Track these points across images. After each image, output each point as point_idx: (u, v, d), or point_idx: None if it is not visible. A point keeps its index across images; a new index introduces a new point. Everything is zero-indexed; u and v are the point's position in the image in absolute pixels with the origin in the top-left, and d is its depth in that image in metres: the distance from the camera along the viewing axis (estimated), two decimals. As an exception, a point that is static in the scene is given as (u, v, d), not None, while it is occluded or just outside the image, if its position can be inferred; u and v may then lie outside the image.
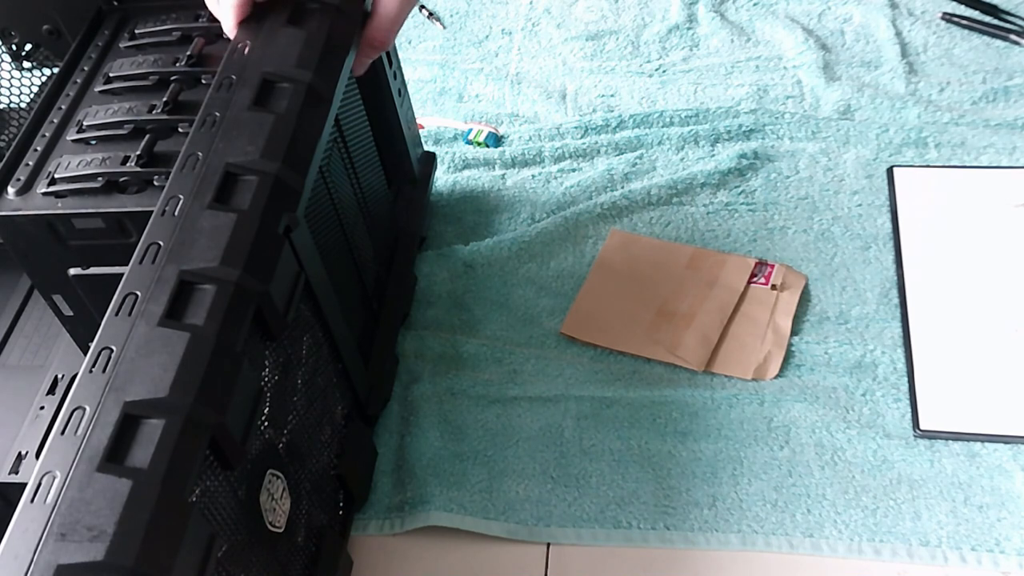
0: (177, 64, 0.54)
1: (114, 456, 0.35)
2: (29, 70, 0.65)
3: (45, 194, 0.49)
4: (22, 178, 0.50)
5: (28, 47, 0.63)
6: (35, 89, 0.66)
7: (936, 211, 0.68)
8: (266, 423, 0.46)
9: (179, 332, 0.39)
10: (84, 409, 0.36)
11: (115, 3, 0.60)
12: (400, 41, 0.91)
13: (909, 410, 0.58)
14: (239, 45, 0.51)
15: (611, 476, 0.57)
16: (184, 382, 0.37)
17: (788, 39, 0.85)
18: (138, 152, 0.49)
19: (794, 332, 0.63)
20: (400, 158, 0.70)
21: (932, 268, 0.64)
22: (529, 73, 0.87)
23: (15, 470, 0.52)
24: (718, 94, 0.82)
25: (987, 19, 0.84)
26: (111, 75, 0.54)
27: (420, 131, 0.77)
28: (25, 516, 0.33)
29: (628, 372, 0.63)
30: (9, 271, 0.63)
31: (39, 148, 0.52)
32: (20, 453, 0.53)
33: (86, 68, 0.56)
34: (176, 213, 0.44)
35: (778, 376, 0.61)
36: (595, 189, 0.75)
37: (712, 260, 0.68)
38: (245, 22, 0.53)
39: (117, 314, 0.40)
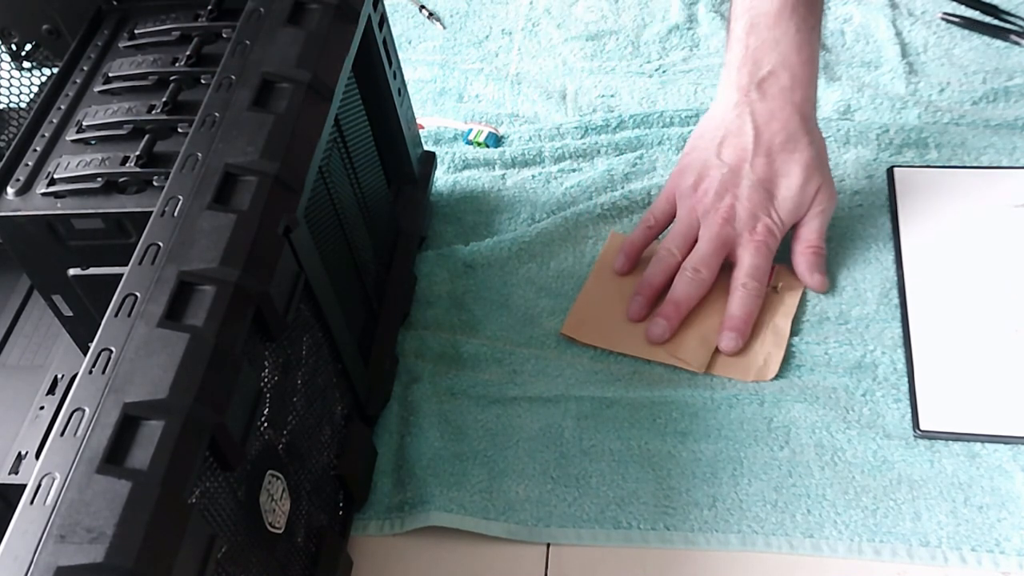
0: (177, 64, 0.54)
1: (114, 457, 0.35)
2: (29, 70, 0.65)
3: (44, 194, 0.49)
4: (21, 178, 0.50)
5: (28, 47, 0.63)
6: (35, 89, 0.66)
7: (936, 211, 0.68)
8: (266, 424, 0.46)
9: (179, 333, 0.39)
10: (84, 410, 0.36)
11: (115, 3, 0.60)
12: (400, 41, 0.91)
13: (909, 410, 0.58)
14: None
15: (611, 476, 0.57)
16: (184, 383, 0.37)
17: (788, 39, 0.85)
18: (137, 152, 0.49)
19: (794, 332, 0.63)
20: (400, 158, 0.70)
21: (932, 268, 0.64)
22: (529, 73, 0.87)
23: (15, 470, 0.52)
24: (718, 94, 0.82)
25: (987, 19, 0.84)
26: (110, 75, 0.54)
27: (420, 131, 0.77)
28: (24, 517, 0.33)
29: (628, 372, 0.63)
30: (9, 271, 0.63)
31: (38, 148, 0.52)
32: (20, 453, 0.53)
33: (85, 68, 0.56)
34: (176, 214, 0.44)
35: (778, 376, 0.61)
36: (595, 189, 0.75)
37: (712, 260, 0.67)
38: (245, 22, 0.53)
39: (117, 315, 0.40)
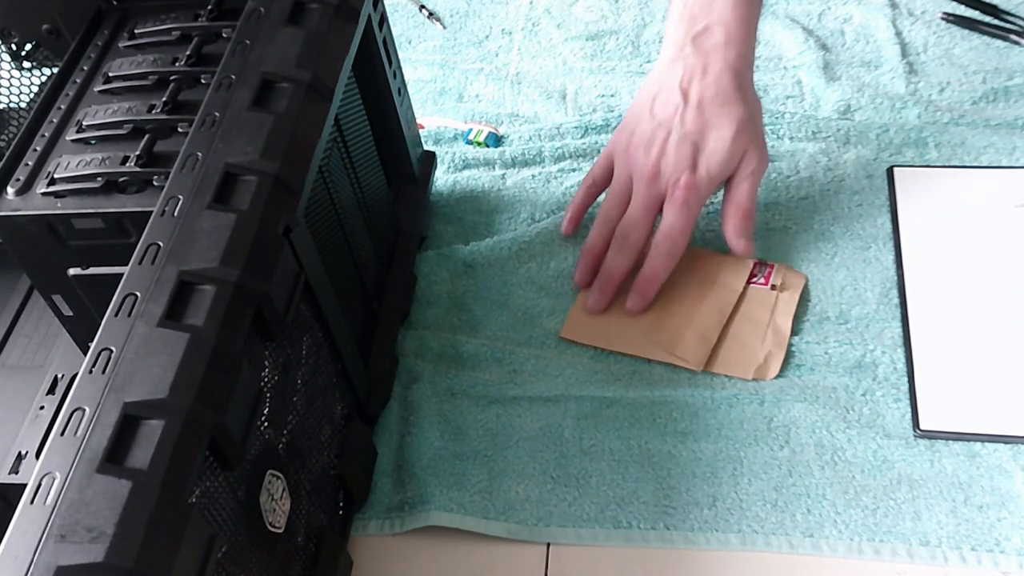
0: (177, 64, 0.54)
1: (114, 457, 0.35)
2: (29, 70, 0.65)
3: (45, 194, 0.49)
4: (21, 178, 0.50)
5: (28, 47, 0.63)
6: (35, 89, 0.66)
7: (936, 211, 0.68)
8: (266, 423, 0.46)
9: (179, 333, 0.39)
10: (84, 410, 0.36)
11: (114, 3, 0.60)
12: (400, 41, 0.91)
13: (909, 410, 0.58)
14: None
15: (611, 476, 0.57)
16: (184, 383, 0.37)
17: (788, 39, 0.85)
18: (138, 152, 0.49)
19: (794, 332, 0.63)
20: (400, 158, 0.70)
21: (932, 268, 0.64)
22: (529, 73, 0.87)
23: (15, 470, 0.52)
24: (718, 94, 0.81)
25: (987, 19, 0.84)
26: (110, 75, 0.54)
27: (420, 131, 0.77)
28: (25, 517, 0.33)
29: (628, 372, 0.63)
30: (9, 271, 0.63)
31: (38, 148, 0.52)
32: (20, 453, 0.53)
33: (85, 68, 0.56)
34: (176, 213, 0.44)
35: (778, 376, 0.61)
36: (595, 189, 0.74)
37: (711, 260, 0.67)
38: (245, 22, 0.53)
39: (117, 315, 0.40)
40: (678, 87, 0.61)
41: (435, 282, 0.69)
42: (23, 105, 0.66)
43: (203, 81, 0.53)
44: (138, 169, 0.49)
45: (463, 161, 0.78)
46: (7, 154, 0.51)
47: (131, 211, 0.47)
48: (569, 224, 0.69)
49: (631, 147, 0.64)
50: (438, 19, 0.94)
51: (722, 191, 0.66)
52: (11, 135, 0.66)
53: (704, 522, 0.55)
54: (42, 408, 0.55)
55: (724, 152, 0.61)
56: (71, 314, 0.54)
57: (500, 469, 0.58)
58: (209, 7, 0.57)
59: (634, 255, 0.64)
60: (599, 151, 0.77)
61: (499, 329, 0.66)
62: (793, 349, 0.62)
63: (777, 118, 0.77)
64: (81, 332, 0.55)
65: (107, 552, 0.32)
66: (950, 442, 0.56)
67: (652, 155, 0.62)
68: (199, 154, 0.46)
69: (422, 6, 0.95)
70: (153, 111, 0.51)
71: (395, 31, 0.81)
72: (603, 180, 0.68)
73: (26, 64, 0.64)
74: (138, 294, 0.40)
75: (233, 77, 0.50)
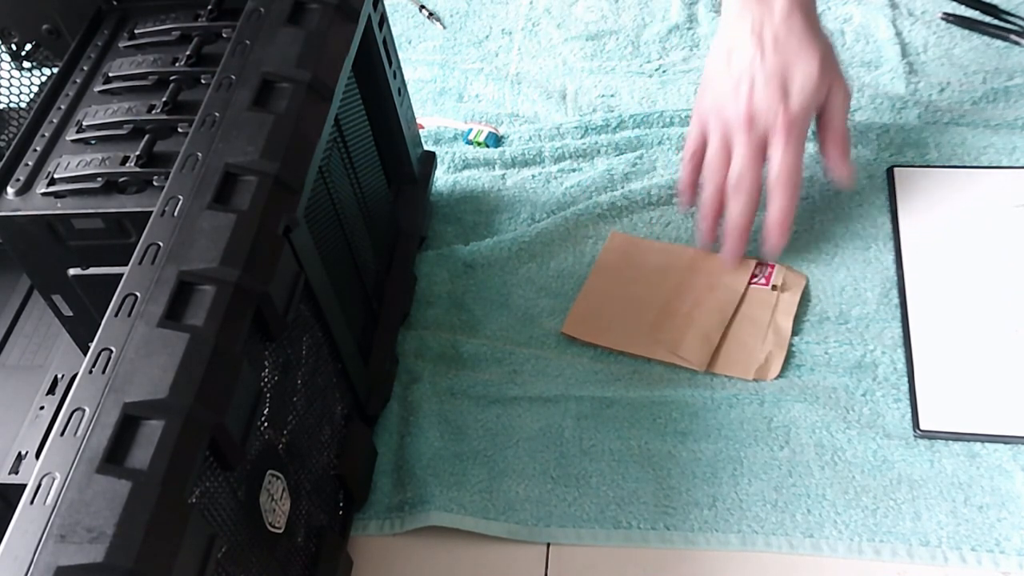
0: (177, 64, 0.54)
1: (114, 457, 0.35)
2: (29, 70, 0.65)
3: (45, 194, 0.49)
4: (21, 178, 0.50)
5: (28, 47, 0.63)
6: (35, 89, 0.66)
7: (936, 211, 0.68)
8: (266, 424, 0.46)
9: (179, 333, 0.39)
10: (84, 410, 0.36)
11: (114, 3, 0.60)
12: (400, 41, 0.91)
13: (909, 410, 0.58)
14: None
15: (611, 476, 0.57)
16: (184, 383, 0.37)
17: (788, 39, 0.85)
18: (137, 152, 0.49)
19: (794, 332, 0.63)
20: (400, 158, 0.70)
21: (932, 268, 0.64)
22: (529, 73, 0.87)
23: (15, 470, 0.52)
24: (718, 94, 0.81)
25: (987, 19, 0.84)
26: (110, 75, 0.54)
27: (420, 131, 0.77)
28: (25, 517, 0.33)
29: (628, 372, 0.63)
30: (9, 271, 0.63)
31: (38, 148, 0.52)
32: (20, 453, 0.53)
33: (85, 68, 0.56)
34: (176, 213, 0.44)
35: (778, 376, 0.61)
36: (595, 189, 0.75)
37: (712, 261, 0.68)
38: (245, 22, 0.53)
39: (117, 315, 0.40)
40: (750, 35, 0.62)
41: (435, 282, 0.69)
42: (23, 105, 0.66)
43: (203, 81, 0.53)
44: (138, 169, 0.49)
45: (463, 161, 0.78)
46: (7, 154, 0.51)
47: (131, 211, 0.47)
48: (688, 201, 0.70)
49: (718, 104, 0.64)
50: (438, 19, 0.94)
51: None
52: (11, 135, 0.66)
53: (704, 522, 0.55)
54: (42, 408, 0.55)
55: (813, 84, 0.62)
56: (71, 314, 0.54)
57: (500, 469, 0.58)
58: (209, 7, 0.57)
59: (755, 198, 0.64)
60: (599, 151, 0.78)
61: (499, 329, 0.66)
62: (793, 349, 0.62)
63: (777, 118, 0.77)
64: (81, 332, 0.55)
65: (107, 552, 0.32)
66: (950, 442, 0.56)
67: (742, 103, 0.62)
68: (199, 154, 0.46)
69: (422, 6, 0.95)
70: (153, 111, 0.51)
71: (395, 31, 0.81)
72: (703, 149, 0.67)
73: (26, 64, 0.64)
74: (138, 294, 0.40)
75: (233, 77, 0.50)
